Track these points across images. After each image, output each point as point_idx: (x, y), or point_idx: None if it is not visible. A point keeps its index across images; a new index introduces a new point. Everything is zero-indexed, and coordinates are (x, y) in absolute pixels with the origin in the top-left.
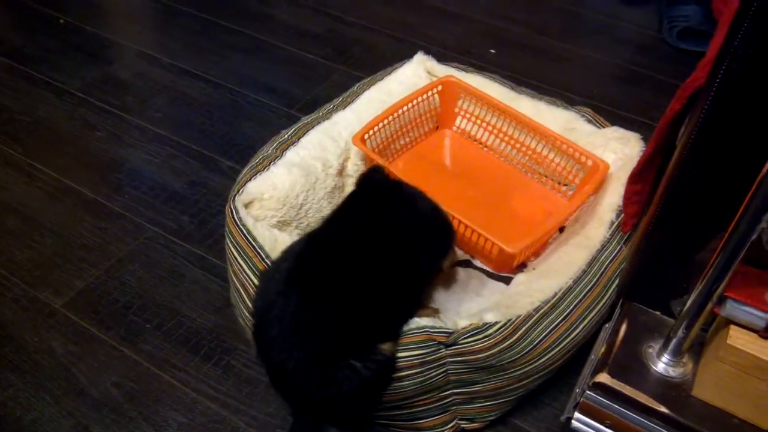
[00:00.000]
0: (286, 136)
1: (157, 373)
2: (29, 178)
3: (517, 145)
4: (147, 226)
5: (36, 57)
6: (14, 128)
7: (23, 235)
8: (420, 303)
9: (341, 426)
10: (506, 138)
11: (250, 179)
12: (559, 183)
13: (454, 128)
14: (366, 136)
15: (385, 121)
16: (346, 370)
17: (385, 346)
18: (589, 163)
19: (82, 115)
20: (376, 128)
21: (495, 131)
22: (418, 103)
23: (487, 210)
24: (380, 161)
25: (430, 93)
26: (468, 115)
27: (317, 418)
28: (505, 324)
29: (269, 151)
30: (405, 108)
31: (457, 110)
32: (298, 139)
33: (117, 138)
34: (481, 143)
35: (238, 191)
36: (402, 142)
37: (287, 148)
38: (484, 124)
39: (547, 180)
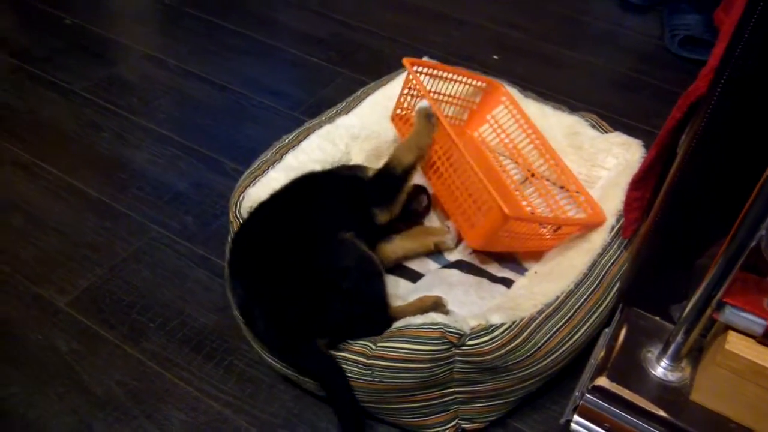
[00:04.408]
0: (286, 141)
1: (159, 372)
2: (34, 177)
3: (529, 173)
4: (151, 226)
5: (42, 57)
6: (20, 127)
7: (28, 234)
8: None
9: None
10: (521, 162)
11: (249, 184)
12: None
13: (475, 133)
14: (416, 68)
15: (442, 73)
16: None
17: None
18: (590, 210)
19: (87, 116)
20: (429, 70)
21: (514, 151)
22: (466, 83)
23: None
24: (425, 92)
25: (478, 83)
26: (495, 126)
27: (358, 411)
28: (510, 326)
29: (269, 156)
30: (459, 77)
31: (489, 117)
32: (299, 143)
33: (122, 138)
34: (492, 154)
35: (240, 197)
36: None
37: (287, 152)
38: (507, 140)
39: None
